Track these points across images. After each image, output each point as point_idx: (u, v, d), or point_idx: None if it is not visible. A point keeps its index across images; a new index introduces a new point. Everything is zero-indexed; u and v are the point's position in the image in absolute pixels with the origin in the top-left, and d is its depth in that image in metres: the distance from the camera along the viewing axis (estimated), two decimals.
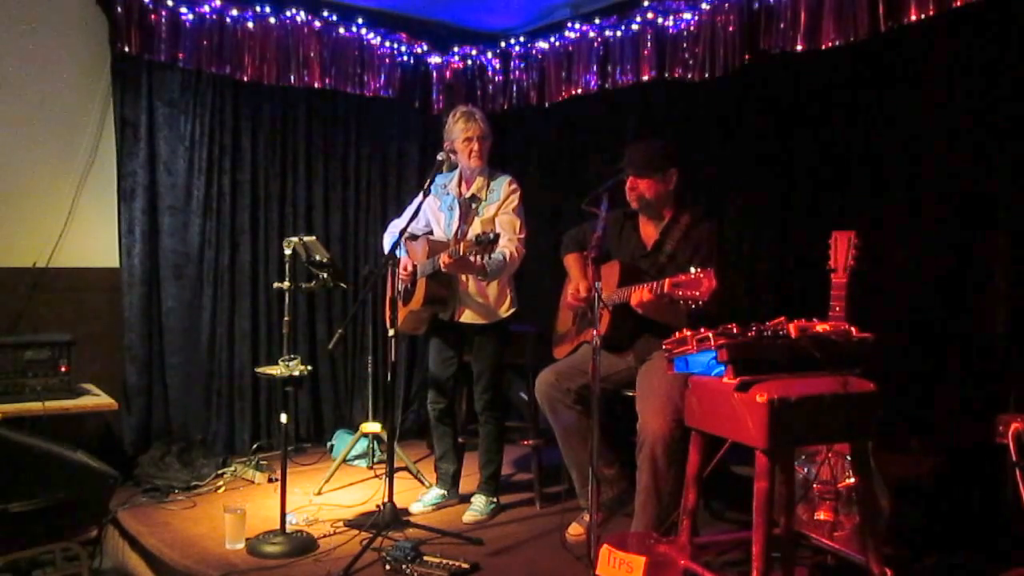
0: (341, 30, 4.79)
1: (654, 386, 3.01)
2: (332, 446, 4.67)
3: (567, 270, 3.52)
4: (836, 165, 3.71)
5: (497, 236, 3.13)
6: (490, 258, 3.25)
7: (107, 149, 4.24)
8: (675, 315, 2.93)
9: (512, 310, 3.67)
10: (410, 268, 3.66)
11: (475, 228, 3.54)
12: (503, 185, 3.57)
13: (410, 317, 3.71)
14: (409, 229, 3.67)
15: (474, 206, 3.58)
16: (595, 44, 4.65)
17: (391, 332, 3.53)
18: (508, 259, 3.46)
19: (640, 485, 2.99)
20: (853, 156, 3.65)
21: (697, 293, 2.60)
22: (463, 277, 3.56)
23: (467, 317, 3.61)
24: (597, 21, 4.61)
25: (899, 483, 2.92)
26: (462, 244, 3.17)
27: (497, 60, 5.19)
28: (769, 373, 2.46)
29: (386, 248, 3.82)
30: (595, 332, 2.75)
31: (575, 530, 3.30)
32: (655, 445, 2.92)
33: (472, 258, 3.18)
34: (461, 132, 3.54)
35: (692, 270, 2.64)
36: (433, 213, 3.72)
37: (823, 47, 3.58)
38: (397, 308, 3.68)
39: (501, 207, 3.55)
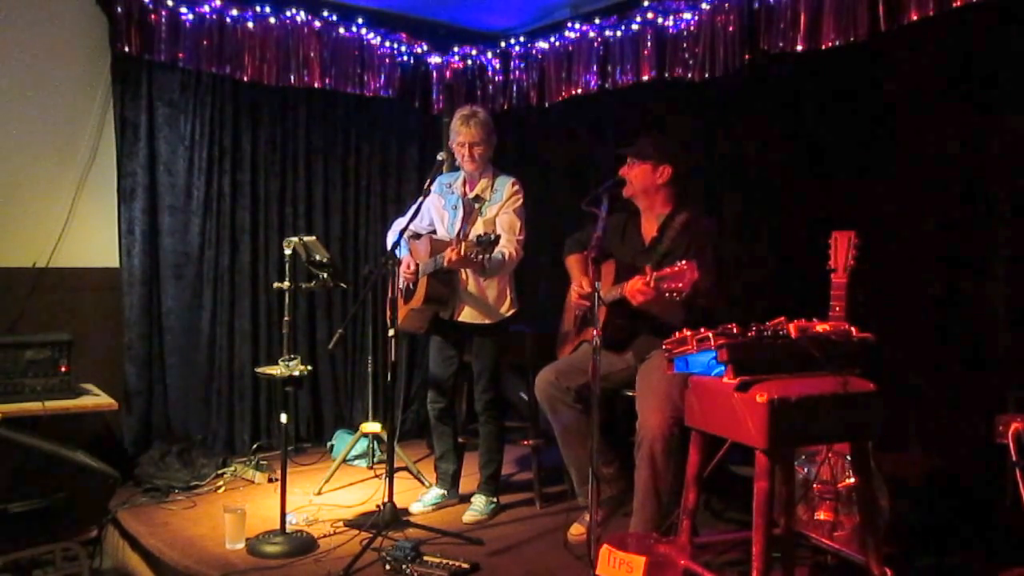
0: (341, 30, 4.79)
1: (653, 385, 3.02)
2: (332, 446, 4.67)
3: (568, 271, 3.53)
4: (836, 164, 3.72)
5: (498, 237, 3.18)
6: (490, 258, 3.27)
7: (107, 149, 4.24)
8: (670, 309, 2.94)
9: (512, 310, 3.67)
10: (413, 267, 3.66)
11: (477, 228, 3.55)
12: (506, 186, 3.58)
13: (411, 315, 3.71)
14: (412, 228, 3.68)
15: (477, 206, 3.59)
16: (595, 44, 4.64)
17: (391, 332, 3.53)
18: (507, 259, 3.47)
19: (639, 483, 2.99)
20: (853, 155, 3.65)
21: (680, 285, 2.62)
22: (463, 275, 3.57)
23: (467, 316, 3.61)
24: (597, 21, 4.61)
25: (899, 483, 2.92)
26: (464, 244, 3.19)
27: (497, 60, 5.18)
28: (769, 373, 2.46)
29: (389, 244, 3.82)
30: (595, 332, 2.75)
31: (577, 530, 3.30)
32: (653, 443, 2.92)
33: (474, 257, 3.20)
34: (456, 136, 3.57)
35: (677, 263, 2.66)
36: (437, 211, 3.73)
37: (823, 47, 3.58)
38: (397, 308, 3.68)
39: (503, 207, 3.56)
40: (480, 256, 3.19)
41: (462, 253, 3.21)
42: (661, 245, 3.23)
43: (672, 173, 3.23)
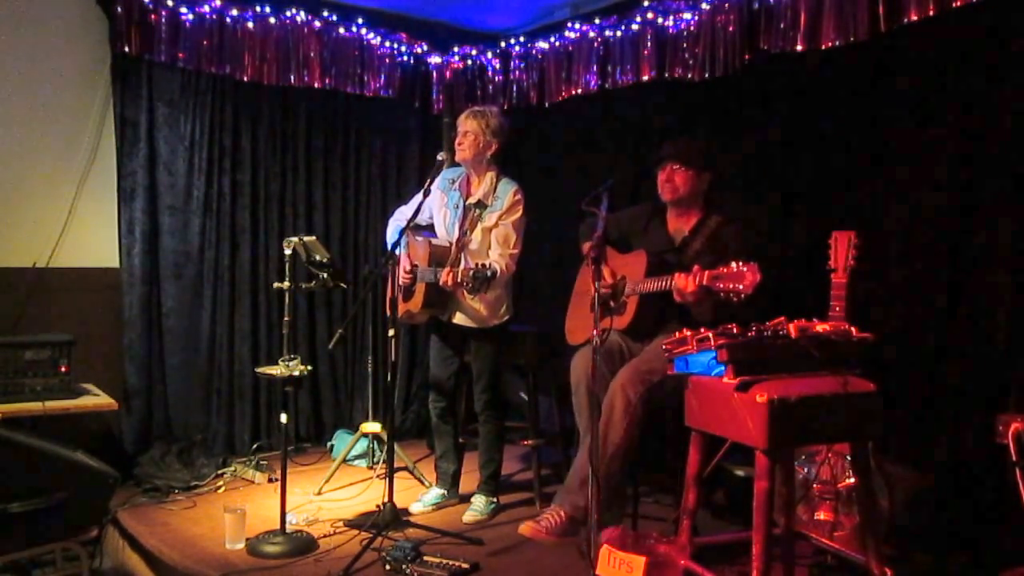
0: (341, 30, 4.79)
1: (646, 357, 3.10)
2: (332, 446, 4.67)
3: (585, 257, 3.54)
4: (836, 165, 3.72)
5: (494, 273, 3.21)
6: (486, 290, 3.29)
7: (107, 149, 4.24)
8: (712, 308, 2.95)
9: (507, 316, 3.67)
10: (409, 268, 3.65)
11: (476, 235, 3.56)
12: (508, 194, 3.56)
13: (409, 314, 3.71)
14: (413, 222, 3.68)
15: (478, 212, 3.58)
16: (595, 44, 4.65)
17: (391, 332, 3.53)
18: (497, 274, 3.44)
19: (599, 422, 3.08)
20: (853, 156, 3.65)
21: (740, 286, 2.59)
22: None
23: (460, 319, 3.61)
24: (597, 21, 4.61)
25: (899, 484, 2.92)
26: (461, 272, 3.22)
27: (497, 60, 5.19)
28: (769, 373, 2.46)
29: (389, 237, 3.82)
30: (595, 332, 2.74)
31: (529, 526, 3.11)
32: (613, 397, 3.03)
33: (466, 286, 3.22)
34: (458, 127, 3.59)
35: (733, 264, 2.64)
36: (439, 208, 3.72)
37: (823, 47, 3.58)
38: (397, 307, 3.69)
39: (501, 217, 3.55)
40: (479, 287, 3.20)
41: (458, 280, 3.24)
42: (692, 247, 3.24)
43: (711, 180, 3.27)
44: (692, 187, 3.25)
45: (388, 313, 3.65)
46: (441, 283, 3.35)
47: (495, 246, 3.53)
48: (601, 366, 3.20)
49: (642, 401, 3.04)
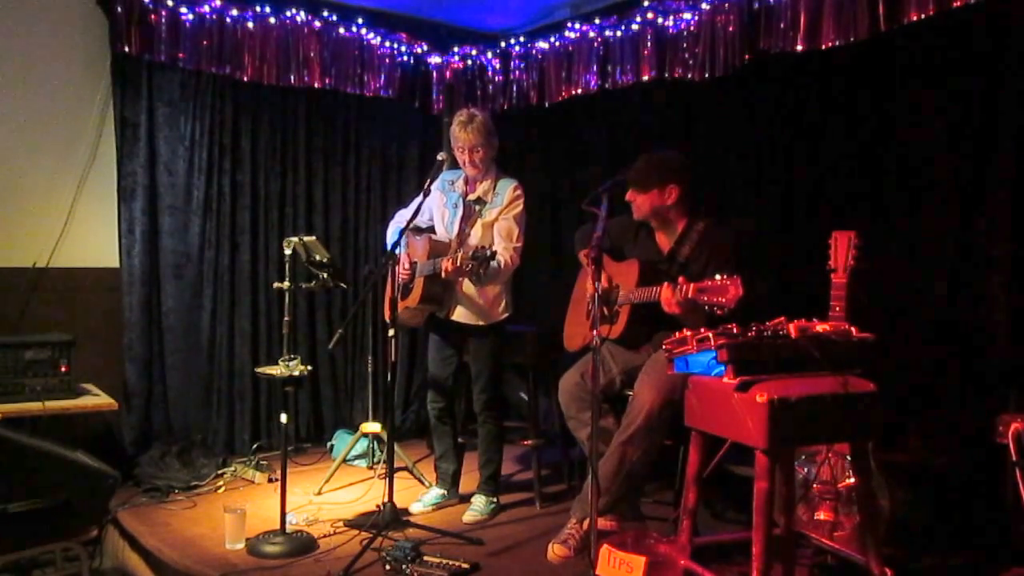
0: (341, 30, 4.79)
1: (658, 368, 3.05)
2: (332, 446, 4.67)
3: (582, 263, 3.52)
4: (836, 165, 3.72)
5: (494, 254, 3.21)
6: (485, 271, 3.27)
7: (107, 149, 4.24)
8: (701, 317, 2.94)
9: (507, 313, 3.67)
10: (408, 265, 3.65)
11: (476, 231, 3.56)
12: (508, 190, 3.56)
13: (408, 313, 3.71)
14: (413, 223, 3.68)
15: (477, 208, 3.58)
16: (595, 44, 4.64)
17: (391, 332, 3.53)
18: (502, 267, 3.44)
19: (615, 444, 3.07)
20: (853, 156, 3.65)
21: (723, 300, 2.59)
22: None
23: (460, 315, 3.61)
24: (597, 21, 4.61)
25: (899, 482, 2.92)
26: (460, 256, 3.22)
27: (497, 60, 5.18)
28: (769, 373, 2.46)
29: (389, 239, 3.82)
30: (595, 332, 2.74)
31: (561, 551, 3.14)
32: (638, 415, 2.99)
33: (468, 270, 3.22)
34: (455, 140, 3.55)
35: (717, 276, 2.63)
36: (439, 208, 3.72)
37: (823, 47, 3.58)
38: (397, 307, 3.69)
39: (502, 212, 3.55)
40: (478, 269, 3.19)
41: (458, 264, 3.23)
42: (680, 255, 3.23)
43: (680, 192, 3.20)
44: (655, 205, 3.21)
45: (387, 313, 3.66)
46: (442, 271, 3.34)
47: (498, 240, 3.52)
48: (588, 381, 3.21)
49: (666, 411, 3.02)
